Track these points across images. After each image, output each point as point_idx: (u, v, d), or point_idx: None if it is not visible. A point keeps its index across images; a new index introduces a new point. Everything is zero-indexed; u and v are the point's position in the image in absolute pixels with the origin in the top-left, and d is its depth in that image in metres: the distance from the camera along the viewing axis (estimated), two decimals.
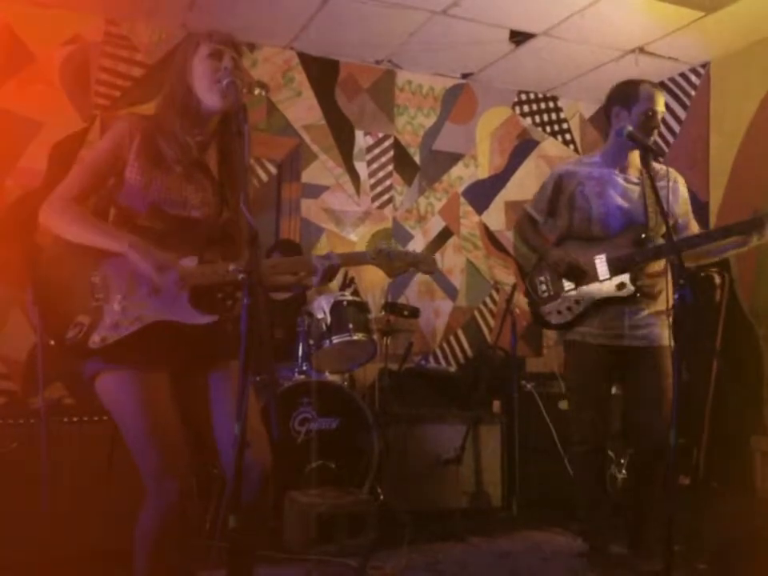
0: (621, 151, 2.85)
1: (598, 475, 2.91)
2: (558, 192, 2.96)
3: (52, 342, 1.87)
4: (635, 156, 2.86)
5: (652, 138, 2.76)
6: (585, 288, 2.83)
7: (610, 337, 2.81)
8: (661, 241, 2.78)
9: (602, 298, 2.80)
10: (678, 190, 2.89)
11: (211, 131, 2.00)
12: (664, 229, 2.74)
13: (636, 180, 2.86)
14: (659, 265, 2.81)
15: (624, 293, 2.76)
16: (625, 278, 2.75)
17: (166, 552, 1.84)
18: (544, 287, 2.95)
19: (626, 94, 2.79)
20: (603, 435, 2.86)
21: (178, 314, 1.87)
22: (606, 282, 2.79)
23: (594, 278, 2.81)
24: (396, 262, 2.05)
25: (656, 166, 2.88)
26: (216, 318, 1.89)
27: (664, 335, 2.77)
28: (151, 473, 1.82)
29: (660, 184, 2.72)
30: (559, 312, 2.89)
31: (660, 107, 2.77)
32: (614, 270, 2.77)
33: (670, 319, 2.67)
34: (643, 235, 2.76)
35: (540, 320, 2.99)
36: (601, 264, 2.80)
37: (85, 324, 1.83)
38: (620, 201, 2.83)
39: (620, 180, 2.86)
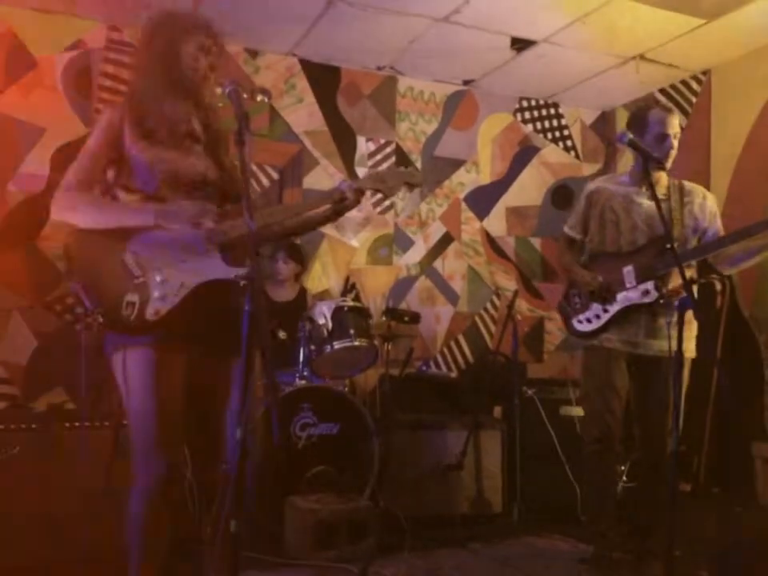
0: (644, 173, 2.92)
1: (608, 476, 2.97)
2: (588, 208, 3.08)
3: (107, 325, 1.92)
4: (661, 176, 2.96)
5: (669, 159, 2.87)
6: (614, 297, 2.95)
7: (626, 344, 2.91)
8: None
9: (629, 305, 2.89)
10: (707, 206, 3.00)
11: (191, 104, 2.07)
12: (692, 242, 2.94)
13: (661, 197, 2.93)
14: (677, 280, 2.87)
15: (648, 299, 2.85)
16: (649, 285, 2.85)
17: (154, 536, 1.95)
18: (577, 299, 3.08)
19: (639, 120, 2.91)
20: (616, 438, 2.94)
21: (217, 272, 1.95)
22: (631, 290, 2.89)
23: (623, 287, 2.91)
24: (389, 180, 2.14)
25: (687, 184, 3.02)
26: (247, 269, 1.90)
27: (679, 346, 2.81)
28: (143, 447, 1.92)
29: (688, 199, 2.94)
30: (589, 320, 3.02)
31: (671, 129, 2.86)
32: (640, 278, 2.87)
33: (678, 327, 2.72)
34: (668, 245, 2.84)
35: (573, 330, 3.12)
36: (628, 274, 2.91)
37: (136, 302, 1.89)
38: (644, 216, 2.95)
39: (644, 197, 2.97)
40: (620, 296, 2.91)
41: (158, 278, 1.92)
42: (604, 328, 2.95)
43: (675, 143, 2.87)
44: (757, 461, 3.84)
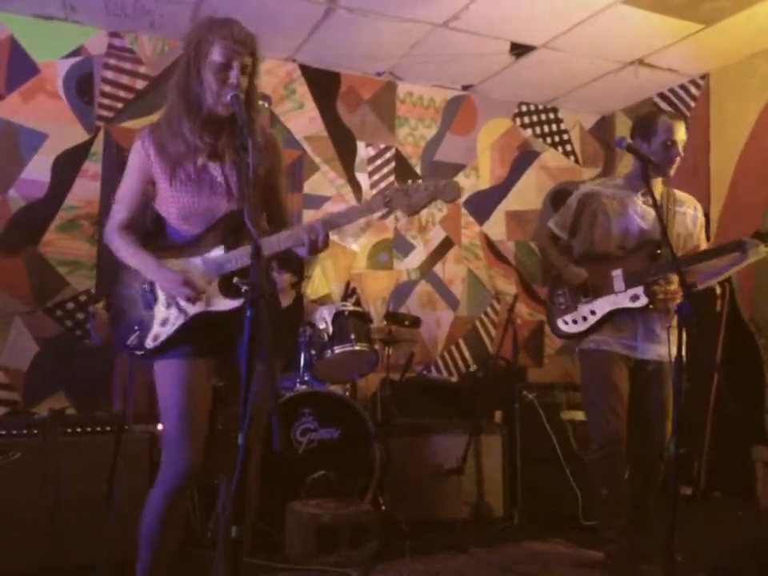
0: (643, 179, 2.91)
1: (619, 480, 2.92)
2: (581, 210, 3.06)
3: (137, 352, 2.14)
4: (657, 182, 2.96)
5: (673, 167, 2.87)
6: (600, 299, 2.93)
7: (624, 347, 2.89)
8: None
9: (616, 308, 2.89)
10: (697, 218, 3.02)
11: (221, 126, 2.06)
12: (678, 250, 2.90)
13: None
14: (676, 283, 2.87)
15: (638, 304, 2.84)
16: (638, 290, 2.84)
17: (169, 530, 2.05)
18: (562, 299, 3.06)
19: (646, 126, 2.90)
20: (623, 441, 2.90)
21: (215, 304, 2.06)
22: (620, 294, 2.88)
23: (611, 290, 2.90)
24: (415, 197, 1.97)
25: (679, 193, 3.03)
26: (241, 301, 1.98)
27: (675, 351, 2.81)
28: (172, 441, 2.05)
29: (679, 209, 2.95)
30: (575, 321, 3.00)
31: (678, 136, 2.86)
32: (629, 282, 2.87)
33: (676, 334, 2.72)
34: (658, 251, 2.85)
35: (556, 330, 3.10)
36: (617, 278, 2.90)
37: (140, 329, 2.10)
38: (638, 220, 2.94)
39: (639, 202, 2.96)
40: (609, 299, 2.90)
41: (162, 305, 2.09)
42: (590, 330, 2.94)
43: (681, 151, 2.87)
44: (757, 464, 3.85)
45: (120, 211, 2.17)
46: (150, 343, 2.08)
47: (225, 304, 2.05)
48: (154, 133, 2.07)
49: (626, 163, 4.83)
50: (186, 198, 2.06)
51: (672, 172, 2.89)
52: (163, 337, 2.07)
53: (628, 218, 2.94)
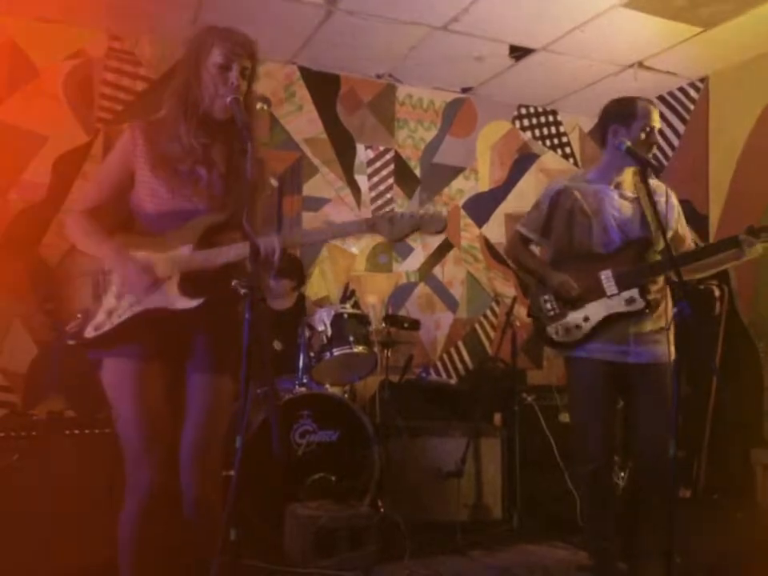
0: (615, 167, 2.86)
1: (606, 493, 2.86)
2: (553, 210, 2.94)
3: (70, 341, 1.99)
4: (629, 172, 2.87)
5: (651, 154, 2.78)
6: (593, 304, 2.81)
7: (615, 353, 2.78)
8: (659, 255, 2.80)
9: (612, 313, 2.77)
10: (673, 204, 2.90)
11: (216, 130, 2.02)
12: (662, 243, 2.79)
13: (631, 195, 2.88)
14: (661, 281, 2.83)
15: (634, 307, 2.74)
16: (634, 292, 2.74)
17: (144, 542, 1.92)
18: (549, 306, 2.90)
19: (624, 112, 2.79)
20: (611, 451, 2.84)
21: (168, 301, 1.93)
22: (614, 298, 2.77)
23: (602, 294, 2.79)
24: (398, 224, 1.95)
25: (651, 181, 2.84)
26: (201, 301, 1.93)
27: (668, 352, 2.77)
28: (131, 460, 1.92)
29: (656, 199, 2.74)
30: (567, 330, 2.84)
31: (657, 123, 2.78)
32: (622, 285, 2.76)
33: (671, 335, 2.68)
34: (647, 250, 2.78)
35: (546, 339, 2.93)
36: (607, 279, 2.78)
37: (82, 317, 1.96)
38: (617, 216, 2.83)
39: (615, 195, 2.86)
40: (602, 303, 2.78)
41: (111, 296, 1.96)
42: (586, 339, 2.80)
43: (658, 138, 2.78)
44: (756, 467, 3.84)
45: (89, 196, 2.08)
46: (90, 332, 1.93)
47: (182, 302, 1.92)
48: (145, 129, 2.01)
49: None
50: (164, 195, 1.97)
51: (650, 156, 2.75)
52: (106, 327, 1.93)
53: (605, 215, 2.82)
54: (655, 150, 2.81)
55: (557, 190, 2.95)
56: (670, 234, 2.79)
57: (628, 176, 2.87)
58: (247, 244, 1.82)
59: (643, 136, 2.74)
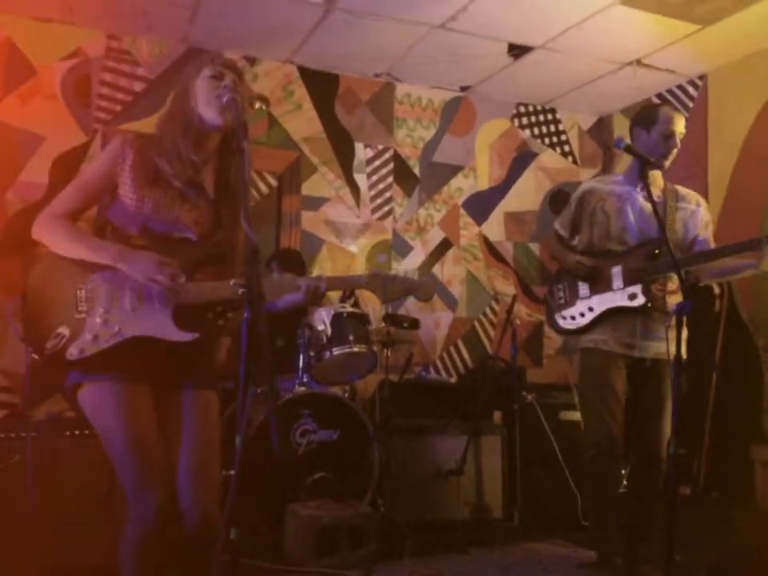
0: (641, 170, 2.91)
1: (610, 481, 2.95)
2: (580, 208, 3.08)
3: (34, 354, 1.94)
4: (656, 175, 2.97)
5: (670, 158, 2.88)
6: (597, 296, 2.95)
7: (622, 346, 2.89)
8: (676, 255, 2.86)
9: (614, 306, 2.89)
10: (699, 213, 3.02)
11: (210, 151, 2.01)
12: (679, 247, 2.91)
13: (656, 198, 2.93)
14: (676, 283, 2.87)
15: (635, 303, 2.85)
16: (636, 288, 2.85)
17: (148, 566, 1.86)
18: (561, 294, 3.09)
19: (647, 116, 2.93)
20: (617, 441, 2.91)
21: (159, 330, 1.88)
22: (618, 292, 2.89)
23: (609, 287, 2.90)
24: (391, 287, 2.01)
25: (681, 189, 3.04)
26: (197, 335, 1.89)
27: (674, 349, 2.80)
28: (130, 485, 1.84)
29: (681, 205, 2.96)
30: (572, 317, 3.02)
31: (678, 128, 2.88)
32: (627, 280, 2.87)
33: (684, 333, 2.71)
34: (657, 250, 2.84)
35: (554, 325, 3.13)
36: (616, 274, 2.91)
37: (65, 335, 1.87)
38: (637, 217, 2.95)
39: (639, 198, 2.97)
40: (606, 296, 2.91)
41: (98, 319, 1.87)
42: (588, 328, 2.95)
43: (679, 143, 2.88)
44: (756, 464, 3.84)
45: (69, 199, 1.99)
46: (73, 353, 1.85)
47: (177, 335, 1.87)
48: (136, 143, 1.96)
49: (624, 164, 4.83)
50: (148, 213, 1.91)
51: (668, 164, 2.89)
52: (90, 352, 1.84)
53: (627, 215, 2.95)
54: (674, 155, 2.88)
55: (584, 191, 3.11)
56: (690, 238, 2.95)
57: (656, 179, 2.97)
58: (231, 284, 1.81)
59: (662, 140, 2.85)
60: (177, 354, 1.91)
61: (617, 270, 2.90)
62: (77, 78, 4.13)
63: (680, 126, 2.88)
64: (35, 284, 1.98)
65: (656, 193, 2.96)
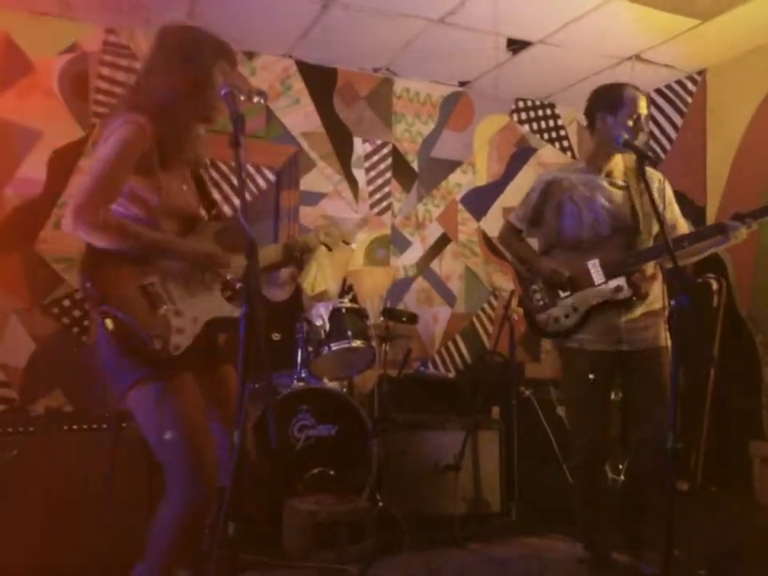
0: (604, 154, 2.87)
1: (596, 484, 2.90)
2: (544, 200, 2.97)
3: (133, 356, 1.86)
4: (618, 160, 2.88)
5: (639, 140, 2.76)
6: (580, 294, 2.82)
7: (609, 342, 2.80)
8: (650, 243, 2.80)
9: (600, 302, 2.79)
10: (665, 191, 2.89)
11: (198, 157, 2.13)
12: (653, 231, 2.80)
13: (621, 183, 2.88)
14: (652, 267, 2.82)
15: (621, 296, 2.75)
16: (621, 281, 2.75)
17: (182, 547, 1.94)
18: (539, 296, 2.94)
19: (611, 99, 2.79)
20: (602, 444, 2.85)
21: (224, 309, 1.99)
22: (602, 287, 2.78)
23: (590, 283, 2.80)
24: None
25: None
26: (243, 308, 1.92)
27: (661, 336, 2.78)
28: (182, 478, 1.89)
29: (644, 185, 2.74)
30: (556, 320, 2.87)
31: (644, 110, 2.78)
32: (609, 273, 2.77)
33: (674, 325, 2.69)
34: (635, 238, 2.78)
35: (537, 329, 2.97)
36: (594, 269, 2.80)
37: (162, 335, 1.85)
38: (607, 205, 2.84)
39: (605, 184, 2.87)
40: (589, 292, 2.79)
41: (172, 312, 1.90)
42: (575, 328, 2.82)
43: (645, 126, 2.78)
44: (754, 460, 3.85)
45: (108, 196, 1.85)
46: (174, 351, 1.86)
47: (234, 311, 1.97)
48: (152, 125, 1.94)
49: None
50: (163, 194, 1.96)
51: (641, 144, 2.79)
52: (185, 345, 1.88)
53: (597, 204, 2.83)
54: (646, 138, 2.82)
55: (547, 181, 2.99)
56: (657, 224, 2.78)
57: (618, 164, 2.88)
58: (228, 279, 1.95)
59: (630, 123, 2.75)
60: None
61: (594, 263, 2.78)
62: (74, 73, 4.12)
63: (644, 107, 2.77)
64: (116, 292, 1.85)
65: (620, 178, 2.87)
